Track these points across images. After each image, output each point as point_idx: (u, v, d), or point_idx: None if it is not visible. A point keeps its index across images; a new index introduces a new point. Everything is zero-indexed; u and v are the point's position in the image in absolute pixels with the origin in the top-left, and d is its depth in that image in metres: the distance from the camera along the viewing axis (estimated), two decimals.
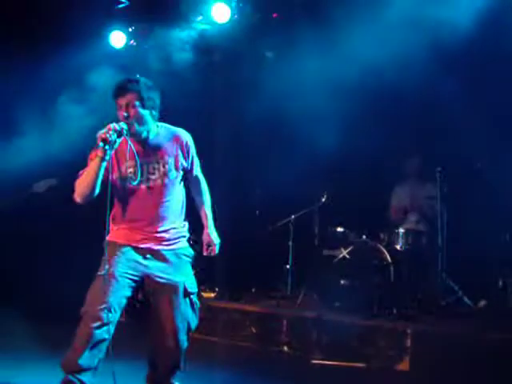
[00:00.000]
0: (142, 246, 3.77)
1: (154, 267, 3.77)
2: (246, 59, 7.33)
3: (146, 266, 3.76)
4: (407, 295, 6.05)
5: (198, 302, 3.94)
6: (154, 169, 3.79)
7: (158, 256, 3.78)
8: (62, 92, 6.73)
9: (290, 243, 6.78)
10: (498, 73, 6.03)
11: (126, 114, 3.69)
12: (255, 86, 7.03)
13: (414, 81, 6.16)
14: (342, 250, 6.10)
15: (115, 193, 3.82)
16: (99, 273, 3.67)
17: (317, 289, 6.19)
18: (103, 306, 3.58)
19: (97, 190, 3.69)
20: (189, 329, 3.89)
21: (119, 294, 3.67)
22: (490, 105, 6.29)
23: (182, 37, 6.89)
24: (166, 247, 3.80)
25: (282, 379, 4.90)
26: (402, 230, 6.27)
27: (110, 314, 3.61)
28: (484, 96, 6.28)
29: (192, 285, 3.89)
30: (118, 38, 7.28)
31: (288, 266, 6.75)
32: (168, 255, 3.80)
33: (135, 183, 3.75)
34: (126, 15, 7.21)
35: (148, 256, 3.77)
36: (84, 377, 3.61)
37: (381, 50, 5.83)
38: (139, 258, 3.76)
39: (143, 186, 3.78)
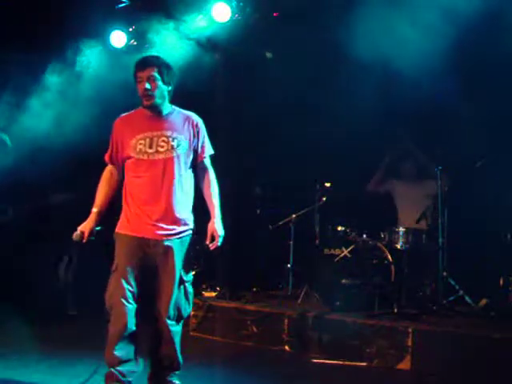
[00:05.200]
0: (147, 236, 3.85)
1: (157, 255, 3.86)
2: (246, 58, 7.33)
3: (149, 254, 3.85)
4: (408, 294, 6.05)
5: (192, 290, 4.03)
6: (163, 142, 3.89)
7: (161, 245, 3.86)
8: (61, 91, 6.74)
9: (291, 242, 6.78)
10: (499, 72, 6.03)
11: (148, 86, 3.83)
12: (255, 86, 7.04)
13: (414, 81, 6.15)
14: (343, 249, 6.10)
15: (127, 171, 3.99)
16: (112, 268, 3.86)
17: (318, 288, 6.19)
18: (123, 300, 3.74)
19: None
20: (180, 316, 3.94)
21: (133, 286, 3.80)
22: (491, 104, 6.30)
23: (182, 36, 6.88)
24: (170, 236, 3.87)
25: (283, 378, 4.90)
26: (402, 229, 6.26)
27: (131, 306, 3.77)
28: (485, 95, 6.29)
29: (188, 273, 3.97)
30: (118, 38, 7.27)
31: (289, 266, 6.74)
32: (171, 243, 3.87)
33: (145, 156, 3.88)
34: (126, 15, 7.21)
35: (152, 245, 3.85)
36: (124, 367, 3.77)
37: (381, 49, 5.83)
38: (144, 248, 3.85)
39: (153, 159, 3.88)
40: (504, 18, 5.74)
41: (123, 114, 4.07)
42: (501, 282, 5.80)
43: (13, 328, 5.82)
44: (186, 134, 3.97)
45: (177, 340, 3.93)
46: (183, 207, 3.95)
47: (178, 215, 3.91)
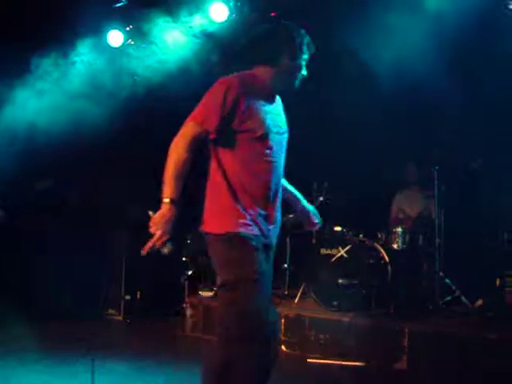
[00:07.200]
0: (271, 240, 3.23)
1: (270, 256, 3.27)
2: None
3: (269, 258, 3.24)
4: (404, 294, 6.07)
5: None
6: (281, 122, 3.31)
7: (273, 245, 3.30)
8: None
9: (288, 242, 6.78)
10: (495, 73, 6.04)
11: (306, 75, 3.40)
12: None
13: (412, 80, 6.18)
14: (340, 249, 6.10)
15: (236, 152, 3.11)
16: (254, 276, 2.99)
17: (314, 288, 6.20)
18: (270, 319, 3.03)
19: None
20: None
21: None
22: (487, 104, 6.32)
23: (179, 36, 6.88)
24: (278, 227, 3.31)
25: (280, 378, 4.89)
26: (399, 230, 6.28)
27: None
28: (481, 96, 6.31)
29: None
30: (115, 37, 7.26)
31: (285, 265, 6.75)
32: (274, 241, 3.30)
33: (273, 135, 3.16)
34: (123, 14, 7.20)
35: (272, 247, 3.27)
36: None
37: (377, 50, 5.85)
38: (268, 252, 3.24)
39: (278, 140, 3.22)
40: (503, 18, 5.76)
41: (237, 76, 3.22)
42: (497, 282, 5.81)
43: (12, 327, 5.82)
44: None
45: None
46: None
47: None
